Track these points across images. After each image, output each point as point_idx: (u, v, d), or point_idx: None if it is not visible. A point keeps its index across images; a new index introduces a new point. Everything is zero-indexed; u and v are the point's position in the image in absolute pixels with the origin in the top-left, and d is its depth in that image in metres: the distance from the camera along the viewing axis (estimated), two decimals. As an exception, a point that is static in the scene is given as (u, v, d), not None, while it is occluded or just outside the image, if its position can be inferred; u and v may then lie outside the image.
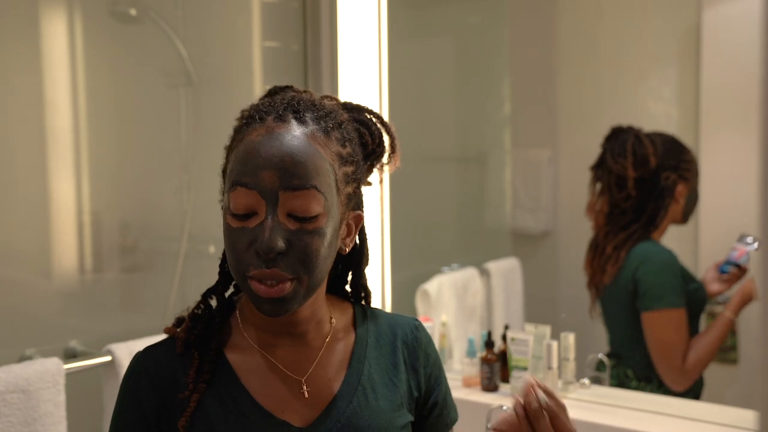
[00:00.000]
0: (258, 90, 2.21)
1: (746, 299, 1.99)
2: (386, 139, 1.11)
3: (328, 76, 2.16)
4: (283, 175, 0.94)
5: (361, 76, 2.18)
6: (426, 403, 1.14)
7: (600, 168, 2.15)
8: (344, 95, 2.14)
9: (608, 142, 2.14)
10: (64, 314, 1.86)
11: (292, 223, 0.95)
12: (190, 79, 2.04)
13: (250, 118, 1.00)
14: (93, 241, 1.89)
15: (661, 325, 2.01)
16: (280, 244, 0.93)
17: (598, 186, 2.15)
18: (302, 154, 0.95)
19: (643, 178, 2.07)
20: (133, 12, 1.95)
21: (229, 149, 1.02)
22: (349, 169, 1.02)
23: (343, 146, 1.01)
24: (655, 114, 2.36)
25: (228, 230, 0.97)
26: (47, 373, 1.54)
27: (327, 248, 0.98)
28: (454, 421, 1.18)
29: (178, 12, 2.08)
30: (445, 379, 1.18)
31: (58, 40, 1.81)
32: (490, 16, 2.76)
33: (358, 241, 1.14)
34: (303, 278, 0.96)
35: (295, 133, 0.96)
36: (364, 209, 1.11)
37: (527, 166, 2.63)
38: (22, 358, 1.66)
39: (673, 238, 2.10)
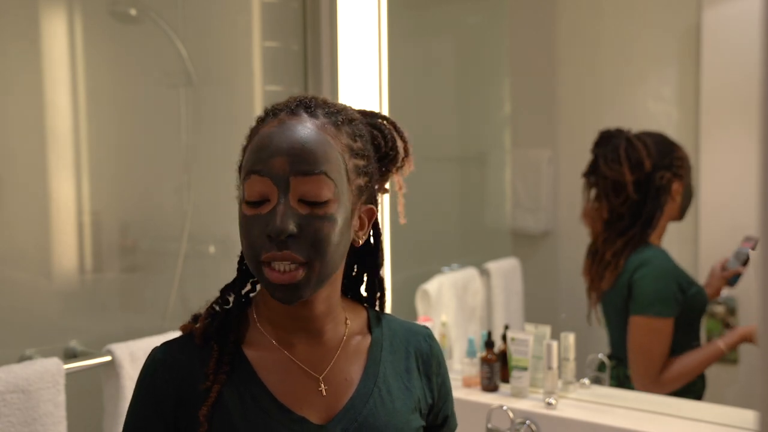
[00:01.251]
0: (258, 90, 2.21)
1: (744, 339, 2.00)
2: (400, 144, 1.14)
3: (328, 76, 2.16)
4: (294, 161, 0.97)
5: (361, 76, 2.18)
6: (438, 415, 1.17)
7: (594, 175, 2.13)
8: (344, 95, 2.14)
9: (599, 147, 2.12)
10: (64, 314, 1.86)
11: (303, 208, 0.98)
12: (190, 79, 2.04)
13: (265, 116, 1.05)
14: (93, 241, 1.89)
15: (643, 332, 2.01)
16: (291, 226, 0.96)
17: (593, 192, 2.13)
18: (312, 142, 0.99)
19: (639, 181, 2.06)
20: (133, 12, 1.95)
21: (246, 146, 1.06)
22: (360, 162, 1.05)
23: (354, 140, 1.04)
24: (655, 114, 2.36)
25: (243, 219, 1.01)
26: (47, 373, 1.54)
27: (338, 235, 1.00)
28: (454, 428, 1.22)
29: (178, 12, 2.08)
30: (450, 387, 1.20)
31: (58, 40, 1.81)
32: (490, 16, 2.76)
33: (372, 240, 1.16)
34: (315, 264, 0.98)
35: (306, 124, 1.00)
36: (377, 205, 1.12)
37: (527, 166, 2.63)
38: (22, 358, 1.66)
39: (673, 238, 2.10)
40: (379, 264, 1.18)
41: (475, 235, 2.72)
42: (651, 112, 2.36)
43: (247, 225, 1.00)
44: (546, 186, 2.57)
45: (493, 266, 2.48)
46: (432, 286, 2.28)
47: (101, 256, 1.93)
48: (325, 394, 1.05)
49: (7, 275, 1.73)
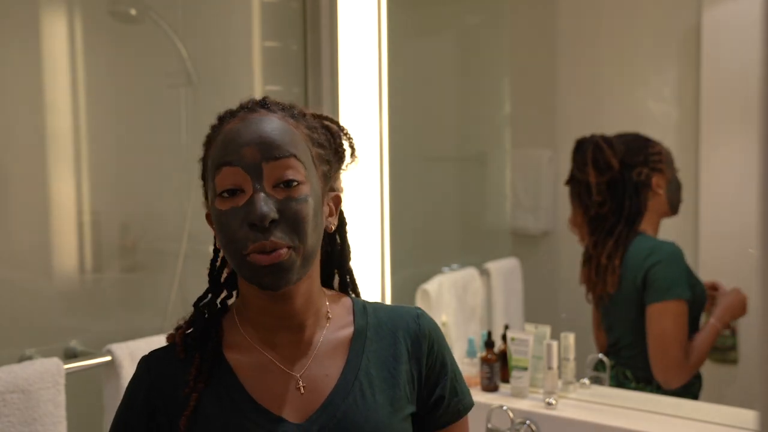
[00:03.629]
0: (258, 90, 2.21)
1: (734, 312, 2.00)
2: (346, 142, 1.15)
3: (328, 76, 2.16)
4: (264, 148, 1.00)
5: (361, 76, 2.18)
6: (431, 395, 1.13)
7: (571, 182, 2.16)
8: (344, 95, 2.14)
9: (574, 154, 2.15)
10: (64, 314, 1.86)
11: (279, 193, 1.00)
12: (190, 79, 2.04)
13: (222, 118, 1.07)
14: (93, 241, 1.89)
15: (663, 317, 2.00)
16: (273, 212, 0.98)
17: (575, 199, 2.16)
18: (279, 129, 1.02)
19: (614, 180, 2.08)
20: (133, 12, 1.95)
21: (206, 151, 1.08)
22: (321, 150, 1.08)
23: (312, 131, 1.07)
24: (655, 114, 2.36)
25: (218, 215, 1.02)
26: (47, 373, 1.54)
27: (314, 218, 1.02)
28: (467, 407, 1.16)
29: (178, 12, 2.07)
30: (452, 365, 1.16)
31: (58, 40, 1.80)
32: (490, 16, 2.76)
33: (338, 232, 1.17)
34: (298, 247, 1.00)
35: (268, 117, 1.04)
36: (341, 192, 1.15)
37: (527, 166, 2.63)
38: (22, 358, 1.66)
39: (672, 237, 2.10)
40: (346, 255, 1.18)
41: (475, 235, 2.72)
42: (651, 113, 2.36)
43: (223, 219, 1.01)
44: (546, 186, 2.57)
45: (493, 266, 2.48)
46: (432, 286, 2.28)
47: (101, 256, 1.93)
48: (303, 392, 1.05)
49: (7, 275, 1.72)
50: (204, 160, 1.08)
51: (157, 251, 2.04)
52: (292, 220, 0.99)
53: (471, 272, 2.43)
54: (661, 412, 1.83)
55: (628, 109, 2.40)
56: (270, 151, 1.00)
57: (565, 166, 2.22)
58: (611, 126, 2.17)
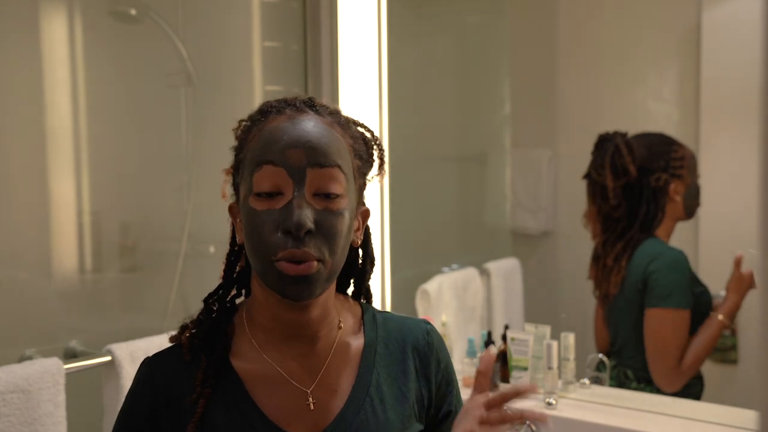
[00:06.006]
0: (258, 90, 2.21)
1: (739, 301, 1.99)
2: (375, 152, 1.12)
3: (328, 76, 2.16)
4: (310, 153, 0.97)
5: (361, 75, 2.18)
6: (439, 411, 1.13)
7: (588, 178, 2.14)
8: (344, 95, 2.14)
9: (595, 151, 2.12)
10: (64, 314, 1.86)
11: (318, 202, 0.97)
12: (190, 79, 2.04)
13: (266, 112, 1.03)
14: (93, 241, 1.89)
15: (662, 324, 2.00)
16: (310, 222, 0.95)
17: (591, 196, 2.15)
18: (327, 136, 0.99)
19: (630, 185, 2.05)
20: (133, 12, 1.95)
21: (243, 142, 1.03)
22: (359, 162, 1.05)
23: (355, 141, 1.05)
24: (655, 114, 2.36)
25: (252, 214, 0.98)
26: (47, 373, 1.54)
27: (346, 233, 1.00)
28: None
29: (178, 12, 2.08)
30: (456, 381, 1.17)
31: (58, 40, 1.81)
32: (490, 16, 2.76)
33: (360, 245, 1.14)
34: (327, 260, 0.97)
35: (316, 120, 1.01)
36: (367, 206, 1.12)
37: (527, 166, 2.63)
38: (22, 358, 1.66)
39: (672, 238, 2.10)
40: (368, 269, 1.16)
41: (475, 235, 2.72)
42: (651, 112, 2.37)
43: (257, 220, 0.97)
44: (546, 186, 2.57)
45: (493, 266, 2.48)
46: (432, 286, 2.28)
47: (101, 256, 1.93)
48: (313, 408, 1.02)
49: (7, 275, 1.72)
50: (238, 150, 1.04)
51: (157, 251, 2.04)
52: (326, 234, 0.96)
53: (471, 272, 2.43)
54: (661, 412, 1.83)
55: (628, 109, 2.40)
56: (316, 157, 0.97)
57: (565, 166, 2.22)
58: (611, 126, 2.16)
